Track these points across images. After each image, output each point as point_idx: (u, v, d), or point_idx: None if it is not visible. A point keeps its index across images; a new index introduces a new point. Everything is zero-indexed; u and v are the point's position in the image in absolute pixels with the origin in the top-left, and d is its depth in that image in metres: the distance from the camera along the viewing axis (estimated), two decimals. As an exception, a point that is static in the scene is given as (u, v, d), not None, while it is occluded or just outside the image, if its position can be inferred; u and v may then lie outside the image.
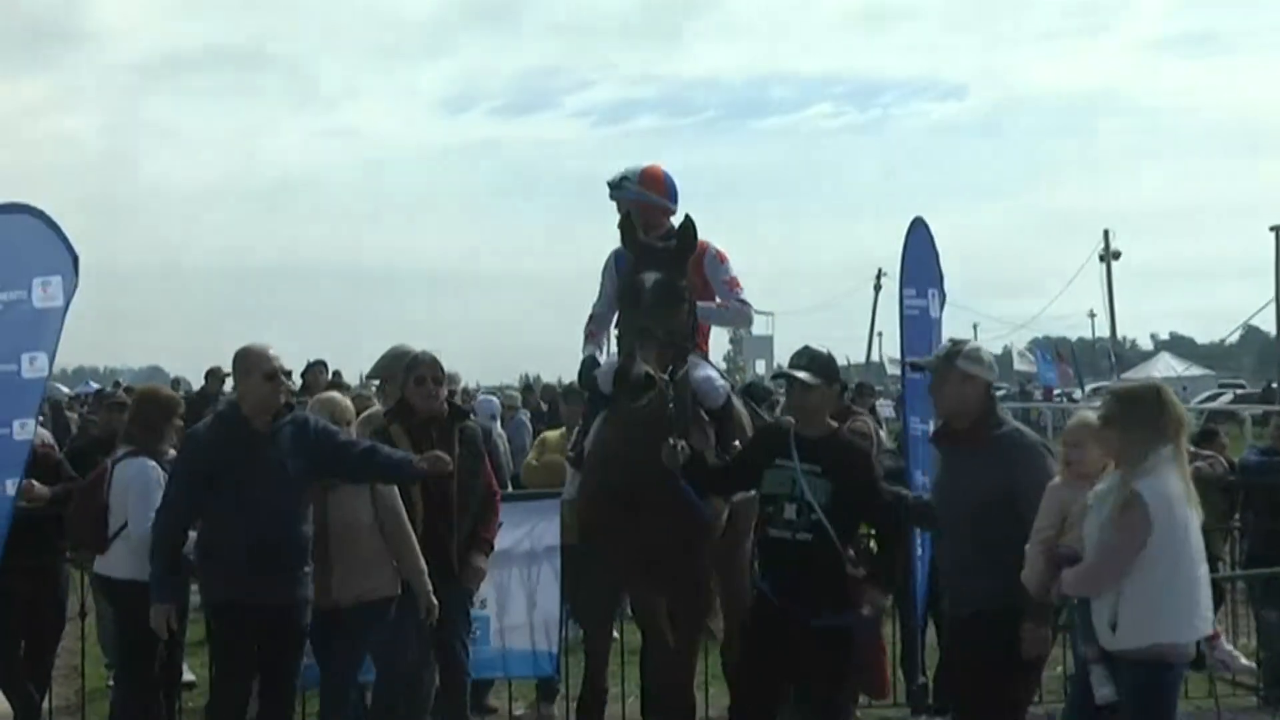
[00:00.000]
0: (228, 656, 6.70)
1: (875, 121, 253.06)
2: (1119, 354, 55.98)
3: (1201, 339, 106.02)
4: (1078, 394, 47.25)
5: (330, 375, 16.56)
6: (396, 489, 7.00)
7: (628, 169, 7.44)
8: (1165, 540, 5.50)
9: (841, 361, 6.98)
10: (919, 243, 8.42)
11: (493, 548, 7.61)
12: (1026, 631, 5.96)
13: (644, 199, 7.32)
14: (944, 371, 6.40)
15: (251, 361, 6.67)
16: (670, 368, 6.41)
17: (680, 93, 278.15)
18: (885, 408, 26.02)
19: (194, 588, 7.27)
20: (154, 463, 7.83)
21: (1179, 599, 5.59)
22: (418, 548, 6.97)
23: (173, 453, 7.89)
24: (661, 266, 6.56)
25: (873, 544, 6.61)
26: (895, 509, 6.58)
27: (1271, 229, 44.66)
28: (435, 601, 6.94)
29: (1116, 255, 52.73)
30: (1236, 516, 10.56)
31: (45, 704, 8.46)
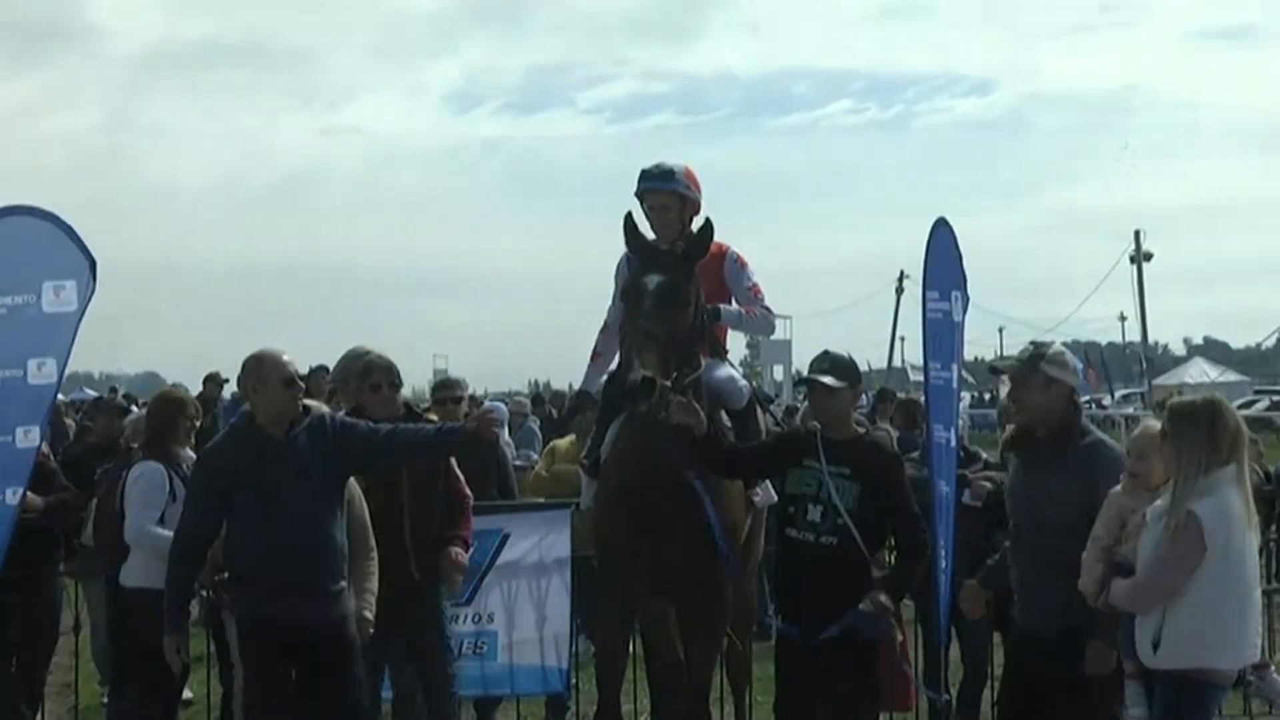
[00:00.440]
0: (260, 681, 6.57)
1: (897, 118, 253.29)
2: (1150, 359, 55.83)
3: (1236, 343, 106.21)
4: (1107, 400, 47.18)
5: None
6: (363, 499, 6.95)
7: (664, 162, 7.39)
8: (1219, 563, 5.49)
9: (862, 367, 6.98)
10: (942, 243, 8.36)
11: (469, 546, 7.57)
12: (1091, 648, 5.96)
13: (691, 195, 7.30)
14: (1026, 376, 6.39)
15: (267, 368, 6.60)
16: (676, 373, 6.39)
17: (696, 89, 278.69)
18: (908, 414, 25.98)
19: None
20: (161, 466, 7.88)
21: (1227, 623, 5.57)
22: (376, 569, 6.90)
23: (187, 453, 7.94)
24: (665, 269, 6.55)
25: (889, 557, 6.60)
26: (920, 519, 6.58)
27: (1310, 229, 44.47)
28: (370, 622, 6.78)
29: (1148, 256, 52.55)
30: (1274, 529, 10.51)
31: (37, 721, 8.47)
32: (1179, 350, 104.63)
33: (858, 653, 6.27)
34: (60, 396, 10.76)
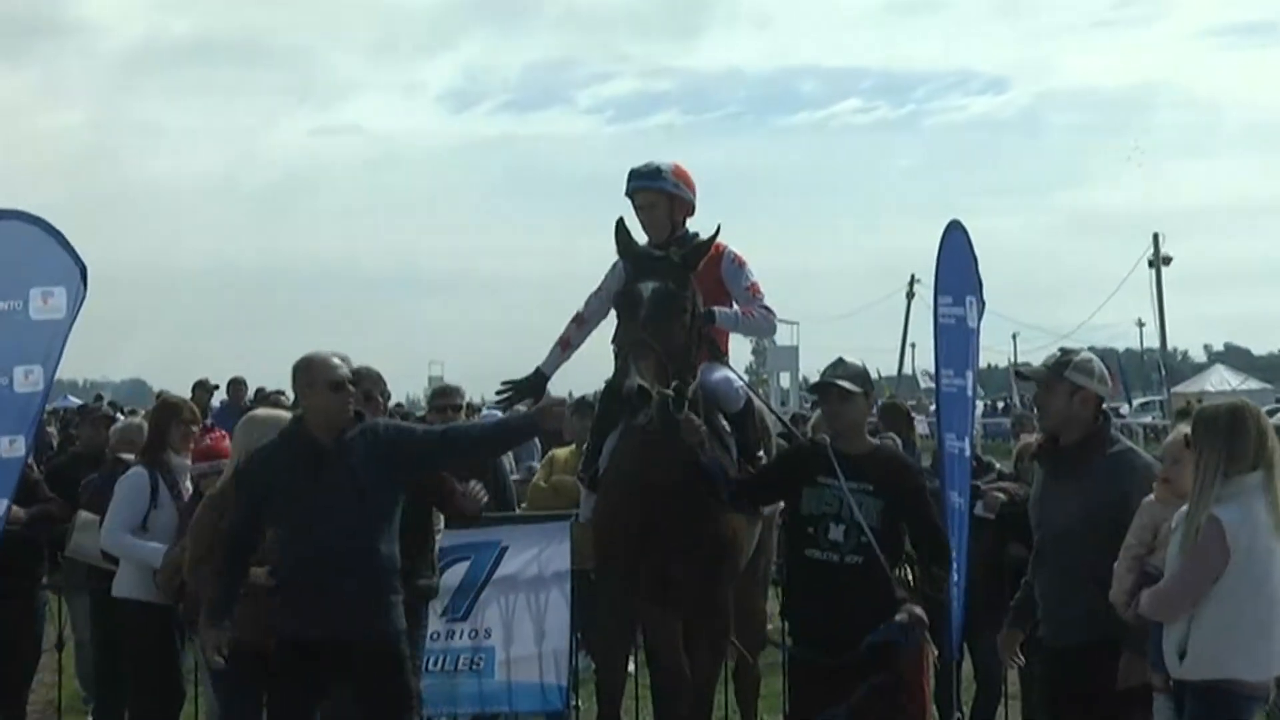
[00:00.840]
0: (283, 702, 6.57)
1: (908, 117, 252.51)
2: (1169, 366, 55.82)
3: (1259, 350, 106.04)
4: (1125, 409, 47.14)
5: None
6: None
7: (653, 162, 7.41)
8: (1244, 570, 5.49)
9: (871, 374, 6.95)
10: (955, 247, 8.38)
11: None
12: (1125, 661, 5.97)
13: (681, 193, 7.31)
14: (1052, 383, 6.40)
15: (315, 372, 6.53)
16: (675, 381, 6.38)
17: (700, 87, 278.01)
18: (919, 423, 25.99)
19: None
20: (147, 471, 7.90)
21: (1255, 633, 5.57)
22: None
23: (177, 459, 7.96)
24: (661, 275, 6.53)
25: (908, 571, 6.57)
26: (944, 529, 6.58)
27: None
28: None
29: (1167, 260, 52.53)
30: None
31: (20, 740, 8.47)
32: (1199, 357, 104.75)
33: (884, 674, 6.24)
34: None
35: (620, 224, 6.79)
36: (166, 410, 8.40)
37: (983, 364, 8.57)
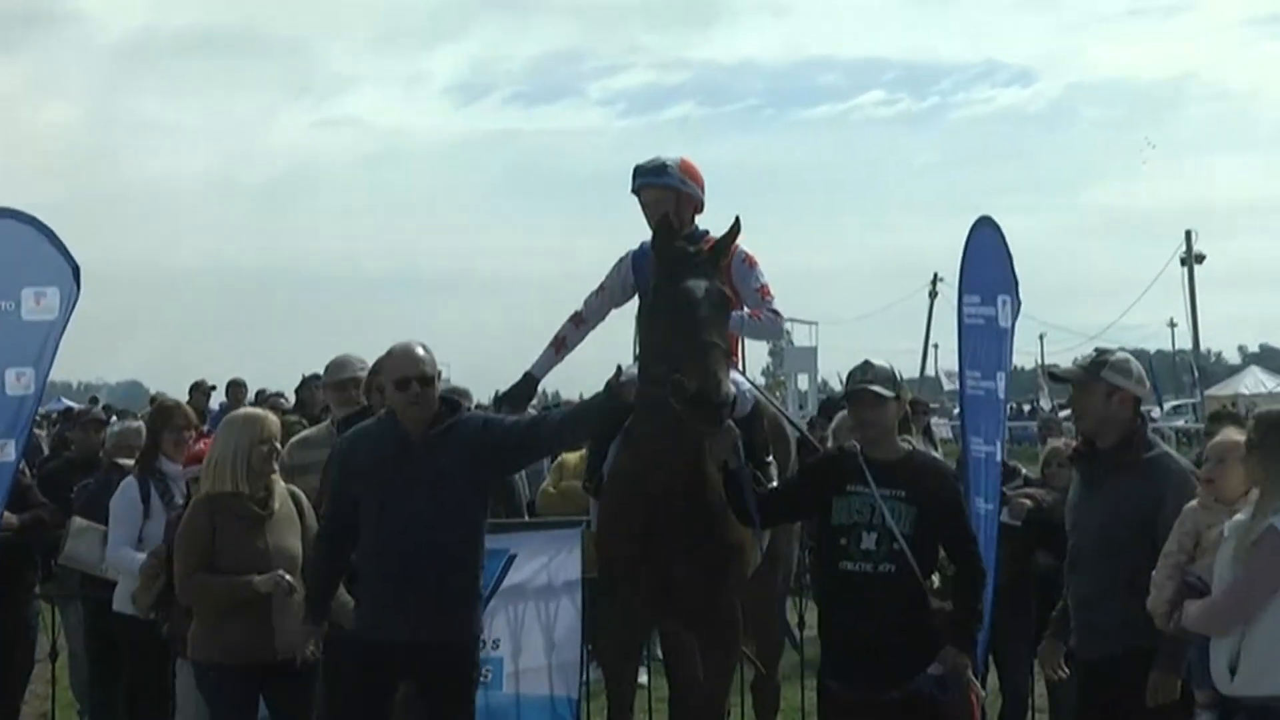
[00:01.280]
0: (350, 706, 6.55)
1: (932, 110, 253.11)
2: (1202, 368, 55.65)
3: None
4: (1156, 412, 47.02)
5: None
6: (315, 518, 6.94)
7: (659, 158, 7.40)
8: None
9: (897, 376, 6.92)
10: (986, 244, 8.34)
11: None
12: (1154, 679, 5.95)
13: (688, 190, 7.31)
14: (1088, 383, 6.39)
15: (387, 366, 6.67)
16: None
17: (716, 79, 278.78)
18: (942, 427, 25.97)
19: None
20: (137, 480, 7.91)
21: None
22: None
23: (171, 466, 7.97)
24: (706, 274, 6.46)
25: (935, 580, 6.56)
26: (977, 544, 6.55)
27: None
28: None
29: (1200, 258, 52.37)
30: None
31: (13, 753, 8.49)
32: (1233, 359, 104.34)
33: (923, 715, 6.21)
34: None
35: (666, 219, 6.72)
36: (160, 415, 8.43)
37: (1009, 366, 8.54)
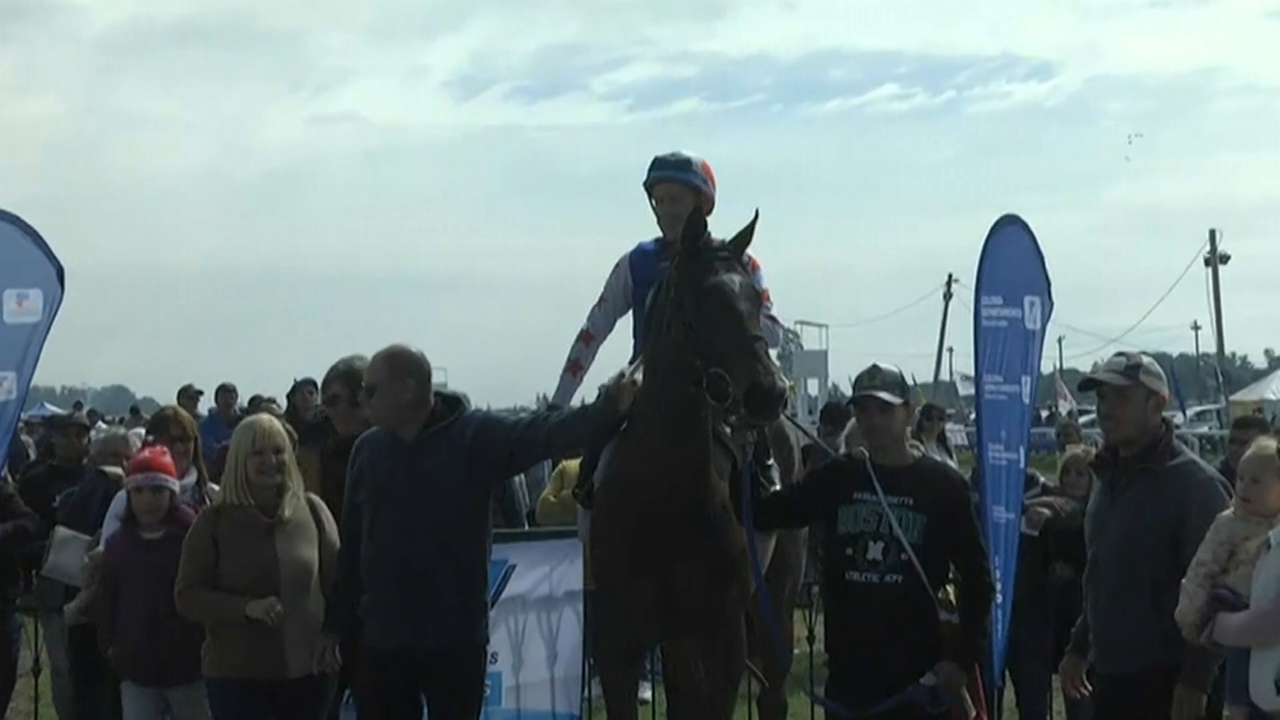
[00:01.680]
0: (363, 713, 6.67)
1: (948, 105, 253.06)
2: (1227, 372, 55.68)
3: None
4: (1179, 418, 47.01)
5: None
6: (335, 526, 6.95)
7: (680, 152, 7.41)
8: None
9: (907, 380, 6.91)
10: (1011, 244, 8.32)
11: None
12: (1179, 695, 5.93)
13: (707, 191, 7.33)
14: (1129, 389, 6.36)
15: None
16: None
17: (725, 73, 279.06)
18: (957, 433, 25.97)
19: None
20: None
21: None
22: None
23: (188, 478, 7.97)
24: (736, 269, 6.42)
25: (950, 592, 6.55)
26: (987, 557, 6.54)
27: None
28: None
29: (1225, 258, 52.39)
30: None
31: (-6, 771, 8.48)
32: (1259, 362, 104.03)
33: None
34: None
35: (699, 213, 6.67)
36: (155, 425, 8.41)
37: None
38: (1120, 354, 6.67)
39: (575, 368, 7.57)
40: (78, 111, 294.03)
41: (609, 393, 6.52)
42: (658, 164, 7.33)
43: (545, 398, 8.21)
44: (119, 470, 8.44)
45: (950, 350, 67.69)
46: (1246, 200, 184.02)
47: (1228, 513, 6.02)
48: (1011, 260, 8.32)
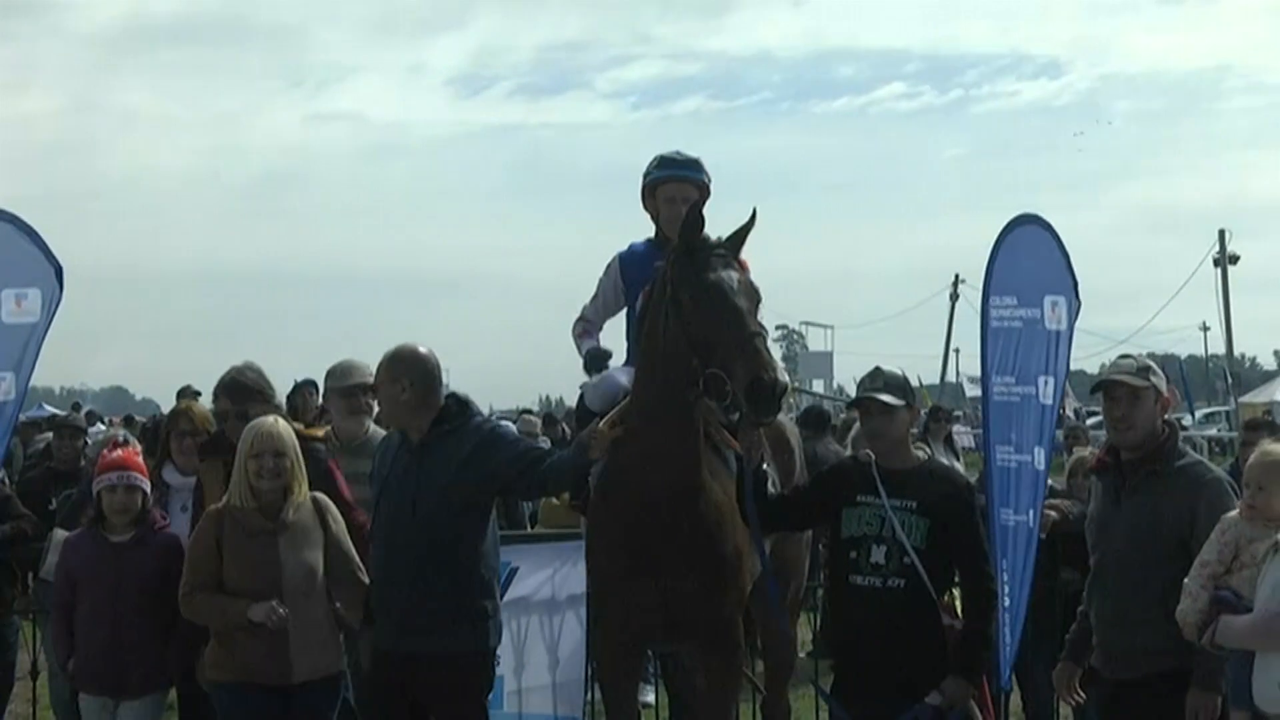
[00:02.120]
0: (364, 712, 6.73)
1: (956, 104, 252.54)
2: (1236, 374, 55.57)
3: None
4: (1187, 420, 47.01)
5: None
6: (346, 530, 6.95)
7: (682, 152, 7.43)
8: None
9: (913, 382, 6.90)
10: (1030, 243, 8.28)
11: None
12: (1194, 696, 5.92)
13: (708, 191, 7.37)
14: (1143, 391, 6.36)
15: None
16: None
17: (730, 71, 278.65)
18: (963, 435, 25.97)
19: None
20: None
21: None
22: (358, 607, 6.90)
23: (174, 477, 7.95)
24: (731, 266, 6.42)
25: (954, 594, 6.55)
26: (990, 562, 6.53)
27: None
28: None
29: (1234, 259, 52.27)
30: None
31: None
32: (1269, 364, 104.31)
33: None
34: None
35: (697, 209, 6.64)
36: (170, 420, 8.37)
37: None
38: (1125, 356, 6.68)
39: (584, 334, 7.62)
40: (72, 108, 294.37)
41: (581, 441, 6.57)
42: (664, 163, 7.33)
43: (547, 398, 8.23)
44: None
45: (957, 351, 67.79)
46: (1257, 200, 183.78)
47: (1234, 513, 6.02)
48: (1030, 260, 8.28)
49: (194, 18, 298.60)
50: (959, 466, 13.41)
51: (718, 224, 6.95)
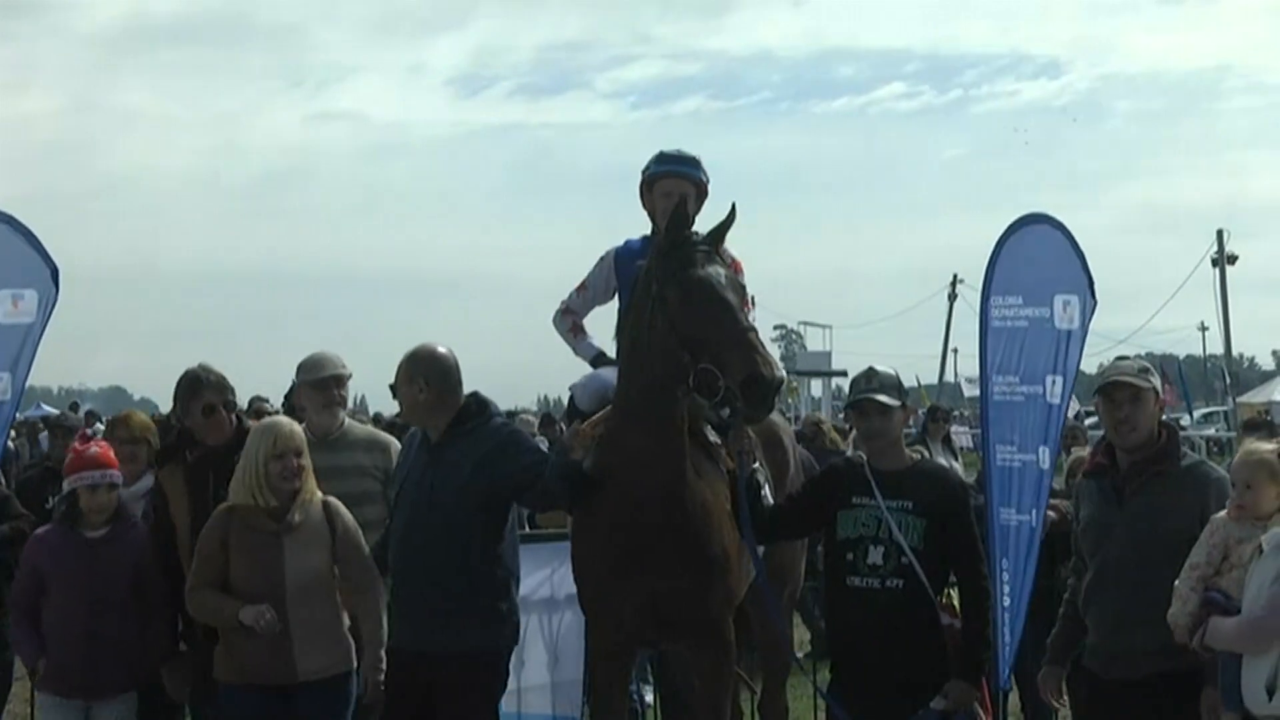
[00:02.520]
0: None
1: (955, 103, 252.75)
2: (1234, 373, 55.58)
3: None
4: (1185, 420, 47.00)
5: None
6: (358, 528, 6.95)
7: (681, 149, 7.45)
8: None
9: (910, 382, 6.91)
10: (1038, 242, 8.27)
11: None
12: (1208, 696, 5.91)
13: (706, 188, 7.44)
14: (1144, 392, 6.37)
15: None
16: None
17: (730, 71, 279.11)
18: (962, 435, 25.98)
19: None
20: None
21: None
22: (383, 610, 6.88)
23: (141, 482, 7.93)
24: (716, 262, 6.41)
25: (952, 594, 6.55)
26: (984, 562, 6.53)
27: None
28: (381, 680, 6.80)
29: (1232, 259, 52.33)
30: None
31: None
32: (1267, 364, 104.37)
33: None
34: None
35: (684, 206, 6.68)
36: (109, 429, 8.30)
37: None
38: (1123, 357, 6.69)
39: (576, 329, 7.71)
40: (72, 108, 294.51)
41: (563, 443, 6.60)
42: (663, 158, 7.34)
43: (546, 398, 8.24)
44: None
45: (955, 351, 67.78)
46: (1255, 200, 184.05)
47: (1222, 514, 6.03)
48: (1039, 259, 8.27)
49: (194, 18, 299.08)
50: (957, 467, 13.44)
51: (715, 225, 6.99)
